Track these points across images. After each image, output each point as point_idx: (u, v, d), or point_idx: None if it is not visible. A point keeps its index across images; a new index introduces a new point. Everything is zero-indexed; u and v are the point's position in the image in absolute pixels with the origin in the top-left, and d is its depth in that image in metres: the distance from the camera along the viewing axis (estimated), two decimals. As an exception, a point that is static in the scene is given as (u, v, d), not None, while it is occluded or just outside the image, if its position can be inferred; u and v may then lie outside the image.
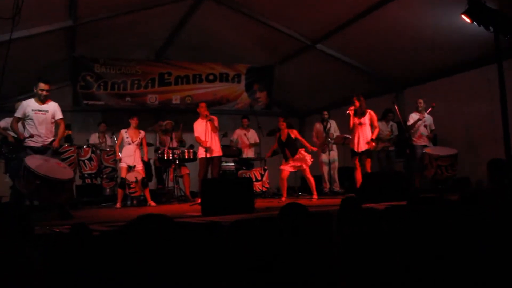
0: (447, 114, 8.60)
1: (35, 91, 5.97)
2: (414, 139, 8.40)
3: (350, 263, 3.19)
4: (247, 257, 3.20)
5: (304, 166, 7.67)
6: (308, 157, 7.70)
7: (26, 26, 7.22)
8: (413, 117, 8.37)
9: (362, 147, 7.45)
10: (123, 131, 8.08)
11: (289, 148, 7.75)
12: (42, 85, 5.96)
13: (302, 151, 7.76)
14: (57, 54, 9.59)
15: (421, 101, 8.37)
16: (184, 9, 8.87)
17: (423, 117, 8.32)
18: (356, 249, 3.27)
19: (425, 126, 8.35)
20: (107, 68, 10.12)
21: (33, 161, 5.26)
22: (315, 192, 7.75)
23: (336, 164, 9.72)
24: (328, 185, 9.78)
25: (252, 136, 9.98)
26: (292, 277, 3.05)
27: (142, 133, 8.18)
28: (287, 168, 7.72)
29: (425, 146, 8.23)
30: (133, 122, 8.09)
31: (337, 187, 9.63)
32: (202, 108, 7.96)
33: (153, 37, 10.18)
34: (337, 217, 3.67)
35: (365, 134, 7.48)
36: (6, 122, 7.32)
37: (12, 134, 7.19)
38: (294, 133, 7.81)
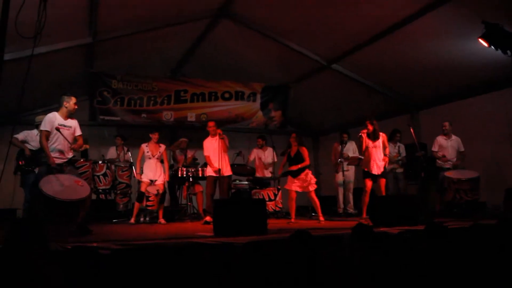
0: (463, 137, 8.50)
1: (65, 105, 5.92)
2: (438, 161, 8.30)
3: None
4: (259, 279, 3.17)
5: (310, 188, 7.65)
6: (313, 180, 7.71)
7: (46, 42, 7.31)
8: (438, 140, 8.30)
9: (378, 170, 7.42)
10: (144, 146, 8.13)
11: (296, 164, 7.73)
12: (75, 99, 5.98)
13: (309, 172, 7.76)
14: (75, 70, 9.72)
15: (447, 123, 8.25)
16: (201, 27, 8.95)
17: (450, 138, 8.24)
18: (368, 273, 3.22)
19: (443, 155, 8.24)
20: (124, 84, 10.21)
21: (48, 186, 5.26)
22: (320, 215, 7.70)
23: (351, 185, 9.67)
24: (342, 206, 9.72)
25: (269, 155, 9.95)
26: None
27: (163, 147, 8.24)
28: (293, 188, 7.67)
29: (447, 169, 8.12)
30: (155, 137, 8.15)
31: (350, 208, 9.56)
32: (211, 128, 7.99)
33: (170, 55, 10.27)
34: (348, 243, 3.64)
35: (379, 157, 7.47)
36: (24, 134, 7.38)
37: (29, 147, 7.25)
38: (303, 150, 7.78)
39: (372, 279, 3.13)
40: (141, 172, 8.10)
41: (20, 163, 7.24)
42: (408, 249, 3.78)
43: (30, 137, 7.27)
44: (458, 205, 7.74)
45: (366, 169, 7.53)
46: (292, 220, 7.64)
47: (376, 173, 7.42)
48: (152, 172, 8.03)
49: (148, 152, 8.09)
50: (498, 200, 7.63)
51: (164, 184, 8.15)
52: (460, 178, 7.64)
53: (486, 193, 7.93)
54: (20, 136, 7.34)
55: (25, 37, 3.57)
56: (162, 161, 8.25)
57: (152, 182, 8.00)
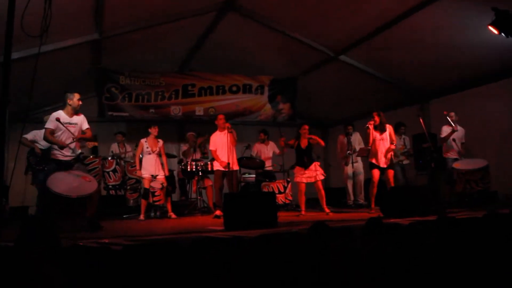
0: (474, 125, 8.43)
1: (69, 102, 5.99)
2: (445, 152, 8.26)
3: (374, 280, 3.13)
4: (270, 272, 3.16)
5: (318, 177, 7.69)
6: (321, 171, 7.77)
7: (53, 40, 7.35)
8: (445, 130, 8.25)
9: (385, 162, 7.42)
10: (143, 141, 8.12)
11: (307, 156, 7.75)
12: (78, 95, 6.03)
13: (317, 164, 7.81)
14: (83, 66, 9.75)
15: (453, 114, 8.23)
16: (207, 21, 8.91)
17: (456, 128, 8.19)
18: (380, 265, 3.20)
19: (454, 139, 8.20)
20: (132, 80, 10.22)
21: (56, 183, 5.29)
22: (325, 207, 7.75)
23: (362, 176, 9.65)
24: (352, 198, 9.72)
25: (271, 148, 9.97)
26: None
27: (161, 142, 8.22)
28: (303, 180, 7.68)
29: (455, 159, 8.08)
30: (154, 131, 8.12)
31: (361, 199, 9.56)
32: (221, 121, 7.98)
33: (177, 49, 10.24)
34: (361, 235, 3.62)
35: (384, 149, 7.51)
36: (33, 134, 7.43)
37: (39, 146, 7.30)
38: (315, 137, 7.87)
39: (383, 271, 3.11)
40: (140, 168, 8.11)
41: (31, 161, 7.29)
42: (419, 240, 3.75)
43: (39, 137, 7.31)
44: (469, 195, 7.69)
45: (373, 161, 7.52)
46: (303, 212, 7.65)
47: (383, 166, 7.42)
48: (153, 167, 8.03)
49: (147, 147, 8.07)
50: (510, 189, 7.58)
51: (165, 178, 8.15)
52: (469, 169, 7.59)
53: (497, 182, 7.87)
54: (29, 136, 7.39)
55: (32, 36, 3.57)
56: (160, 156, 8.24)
57: (153, 178, 8.01)
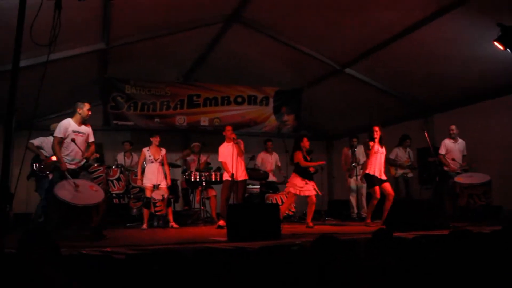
0: (478, 140, 8.42)
1: (79, 111, 6.04)
2: (449, 166, 8.25)
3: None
4: (273, 284, 3.15)
5: (313, 192, 7.69)
6: (313, 189, 7.74)
7: (60, 49, 7.40)
8: (445, 143, 8.27)
9: (382, 175, 7.53)
10: (145, 150, 8.13)
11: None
12: (88, 105, 6.09)
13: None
14: (89, 75, 9.81)
15: (454, 127, 8.26)
16: (213, 32, 8.97)
17: (457, 142, 8.21)
18: (385, 279, 3.19)
19: (453, 159, 8.19)
20: (137, 89, 10.27)
21: (63, 191, 5.32)
22: (310, 221, 7.69)
23: (364, 189, 9.62)
24: (356, 210, 9.70)
25: (274, 160, 9.99)
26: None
27: (164, 150, 8.21)
28: (298, 192, 7.67)
29: (457, 174, 8.07)
30: (155, 140, 8.13)
31: (364, 213, 9.51)
32: (229, 132, 7.99)
33: (182, 59, 10.30)
34: (367, 247, 3.61)
35: (382, 163, 7.64)
36: (40, 141, 7.45)
37: (44, 153, 7.32)
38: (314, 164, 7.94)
39: (387, 284, 3.10)
40: (142, 177, 8.11)
41: (35, 167, 7.30)
42: (423, 254, 3.74)
43: (46, 144, 7.34)
44: (473, 210, 7.66)
45: (373, 174, 7.53)
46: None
47: (384, 179, 7.49)
48: (155, 176, 8.02)
49: (150, 156, 8.07)
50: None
51: (167, 187, 8.14)
52: (472, 183, 7.57)
53: (500, 197, 7.84)
54: (36, 141, 7.41)
55: (41, 45, 3.61)
56: (163, 165, 8.24)
57: (155, 187, 8.00)
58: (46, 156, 7.26)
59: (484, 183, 7.49)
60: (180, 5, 7.65)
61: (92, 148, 6.26)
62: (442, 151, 8.32)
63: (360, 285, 3.11)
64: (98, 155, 8.39)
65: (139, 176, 8.12)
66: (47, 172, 7.12)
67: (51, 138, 7.28)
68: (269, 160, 9.98)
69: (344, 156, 9.99)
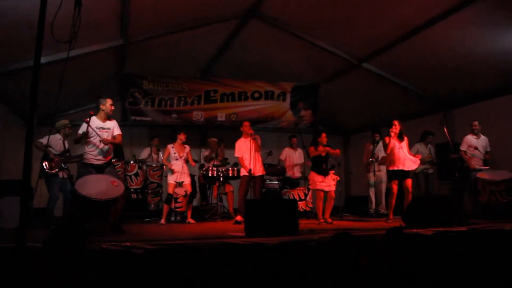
0: (499, 135, 8.30)
1: (102, 108, 6.13)
2: (470, 163, 8.16)
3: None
4: (290, 279, 3.15)
5: (333, 187, 7.67)
6: (334, 181, 7.73)
7: (79, 46, 7.45)
8: (468, 139, 8.18)
9: (407, 166, 7.40)
10: (169, 147, 8.17)
11: (326, 164, 7.78)
12: (110, 101, 6.17)
13: (332, 173, 7.81)
14: (107, 71, 9.90)
15: (476, 123, 8.15)
16: (230, 27, 8.97)
17: (479, 138, 8.11)
18: (400, 275, 3.17)
19: (476, 148, 8.08)
20: (155, 85, 10.33)
21: (83, 186, 5.38)
22: (328, 216, 7.68)
23: (383, 185, 9.56)
24: (374, 206, 9.66)
25: (299, 155, 9.98)
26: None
27: (187, 148, 8.25)
28: (323, 188, 7.64)
29: (479, 170, 7.96)
30: (182, 137, 8.16)
31: (382, 209, 9.47)
32: (246, 127, 7.99)
33: (199, 55, 10.33)
34: (382, 244, 3.60)
35: (407, 154, 7.52)
36: (47, 139, 7.44)
37: (53, 151, 7.35)
38: (329, 150, 7.83)
39: (404, 280, 3.08)
40: (170, 172, 8.15)
41: (45, 166, 7.32)
42: (441, 251, 3.71)
43: (53, 142, 7.37)
44: (494, 207, 7.56)
45: (392, 168, 7.47)
46: (321, 220, 7.61)
47: (406, 169, 7.41)
48: (179, 173, 8.07)
49: (175, 153, 8.11)
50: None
51: (190, 184, 8.18)
52: (495, 180, 7.47)
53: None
54: (44, 140, 7.38)
55: (61, 42, 3.64)
56: (187, 162, 8.28)
57: (178, 184, 8.05)
58: (54, 155, 7.31)
59: (507, 180, 7.38)
60: (198, 1, 7.67)
61: (118, 138, 6.28)
62: (463, 147, 8.23)
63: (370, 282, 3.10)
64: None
65: (171, 166, 8.09)
66: (56, 170, 7.20)
67: (58, 136, 7.38)
68: (294, 156, 9.98)
69: (366, 151, 9.92)
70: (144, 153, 9.69)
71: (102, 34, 7.95)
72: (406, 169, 7.43)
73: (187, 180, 8.09)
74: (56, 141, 7.37)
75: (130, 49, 8.86)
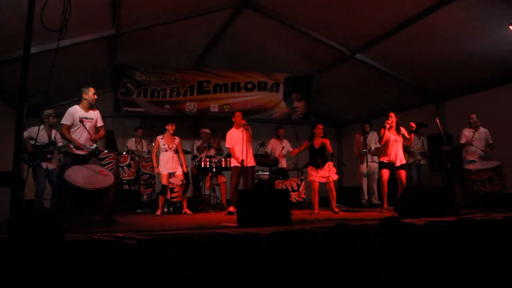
0: (492, 126, 8.32)
1: (85, 97, 6.03)
2: (464, 154, 8.21)
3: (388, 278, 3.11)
4: (283, 269, 3.15)
5: (330, 178, 7.67)
6: (334, 171, 7.76)
7: (70, 35, 7.38)
8: (465, 133, 8.22)
9: (399, 161, 7.44)
10: (159, 138, 8.11)
11: (321, 157, 7.74)
12: (93, 90, 6.07)
13: (331, 164, 7.82)
14: (99, 62, 9.82)
15: (474, 116, 8.18)
16: (223, 18, 8.93)
17: (477, 131, 8.16)
18: (395, 264, 3.18)
19: (470, 143, 8.12)
20: (148, 76, 10.28)
21: (73, 176, 5.34)
22: (335, 206, 7.77)
23: (376, 176, 9.59)
24: (366, 197, 9.69)
25: (286, 146, 9.96)
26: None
27: (177, 139, 8.19)
28: (317, 179, 7.67)
29: (471, 161, 8.01)
30: (171, 128, 8.07)
31: (375, 199, 9.51)
32: (238, 117, 7.97)
33: (192, 46, 10.28)
34: (376, 234, 3.60)
35: (400, 149, 7.54)
36: (28, 132, 7.33)
37: (32, 142, 7.26)
38: (327, 143, 7.78)
39: (395, 270, 3.09)
40: (158, 165, 8.12)
41: (25, 159, 7.27)
42: (433, 241, 3.72)
43: (35, 133, 7.27)
44: (484, 197, 7.62)
45: (385, 160, 7.49)
46: (316, 211, 7.64)
47: (397, 164, 7.43)
48: (170, 164, 8.01)
49: (164, 144, 8.03)
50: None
51: (183, 175, 8.14)
52: (477, 169, 7.54)
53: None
54: (25, 133, 7.30)
55: (51, 30, 3.60)
56: (177, 152, 8.23)
57: (171, 175, 8.02)
58: (35, 146, 7.21)
59: (489, 168, 7.43)
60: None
61: (101, 132, 6.25)
62: (462, 141, 8.27)
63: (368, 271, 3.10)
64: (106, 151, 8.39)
65: (154, 164, 8.11)
66: (38, 161, 7.16)
67: (41, 126, 7.14)
68: (278, 147, 9.96)
69: (356, 142, 9.94)
70: (130, 144, 9.69)
71: (94, 24, 7.89)
72: (397, 164, 7.46)
73: (179, 170, 8.05)
74: (37, 132, 7.27)
75: (122, 39, 8.80)
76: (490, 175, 7.41)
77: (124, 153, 9.12)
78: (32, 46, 3.41)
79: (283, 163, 9.95)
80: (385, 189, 7.53)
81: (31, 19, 3.34)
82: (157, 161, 8.11)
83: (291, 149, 9.83)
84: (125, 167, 9.02)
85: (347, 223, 3.72)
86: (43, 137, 7.31)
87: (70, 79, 9.08)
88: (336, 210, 7.67)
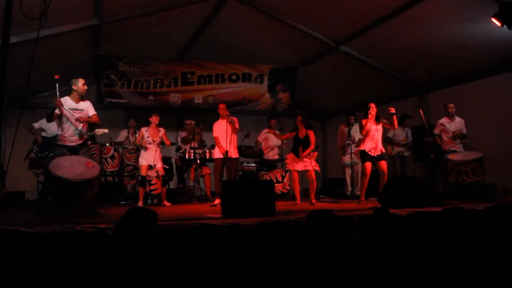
0: (473, 118, 8.41)
1: (74, 88, 5.97)
2: (442, 144, 8.29)
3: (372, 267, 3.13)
4: (267, 259, 3.16)
5: (310, 167, 7.72)
6: (314, 162, 7.79)
7: (52, 25, 7.29)
8: (441, 123, 8.30)
9: (378, 152, 7.50)
10: (143, 130, 8.04)
11: (303, 147, 7.78)
12: (83, 80, 6.02)
13: (314, 155, 7.89)
14: (82, 52, 9.69)
15: (452, 105, 8.26)
16: (207, 9, 8.85)
17: (454, 120, 8.23)
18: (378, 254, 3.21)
19: (452, 132, 8.21)
20: (131, 67, 10.17)
21: (57, 167, 5.28)
22: (313, 197, 7.80)
23: (359, 166, 9.63)
24: (350, 188, 9.74)
25: (274, 137, 9.95)
26: (311, 279, 3.01)
27: (162, 131, 8.13)
28: (296, 167, 7.71)
29: (453, 151, 8.10)
30: (155, 119, 8.03)
31: (358, 191, 9.54)
32: (222, 110, 7.97)
33: (176, 37, 10.19)
34: (367, 223, 3.63)
35: (380, 140, 7.61)
36: (40, 123, 7.45)
37: (44, 134, 7.29)
38: (311, 134, 7.82)
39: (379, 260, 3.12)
40: (143, 154, 8.06)
41: (34, 150, 7.28)
42: (417, 231, 3.76)
43: (46, 125, 7.30)
44: (466, 187, 7.72)
45: (366, 150, 7.53)
46: (298, 201, 7.68)
47: (377, 154, 7.49)
48: (152, 157, 7.96)
49: (148, 137, 7.97)
50: (508, 182, 7.60)
51: (163, 168, 8.09)
52: (462, 160, 7.63)
53: (495, 175, 7.88)
54: (37, 124, 7.38)
55: (31, 18, 3.53)
56: (163, 144, 8.18)
57: (151, 167, 7.96)
58: (45, 137, 7.23)
59: (473, 160, 7.53)
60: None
61: (93, 117, 6.15)
62: (437, 131, 8.35)
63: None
64: (107, 130, 8.33)
65: (144, 143, 8.01)
66: (47, 152, 7.11)
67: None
68: (272, 137, 9.94)
69: (340, 133, 9.99)
70: (122, 136, 9.61)
71: (76, 13, 7.76)
72: (374, 155, 7.50)
73: (159, 164, 7.99)
74: (49, 125, 7.24)
75: (105, 29, 8.69)
76: (474, 166, 7.50)
77: (107, 144, 9.04)
78: (13, 35, 3.35)
79: (274, 155, 9.94)
80: (366, 182, 7.57)
81: (10, 7, 3.28)
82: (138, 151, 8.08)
83: (280, 141, 9.87)
84: (108, 159, 8.95)
85: (330, 210, 3.74)
86: (54, 128, 7.23)
87: (52, 69, 8.88)
88: (314, 201, 7.72)
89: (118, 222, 3.23)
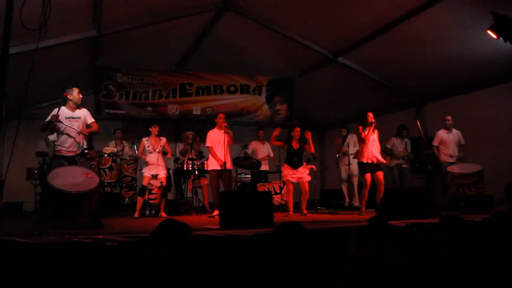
0: (472, 129, 8.44)
1: (69, 98, 5.96)
2: (440, 156, 8.32)
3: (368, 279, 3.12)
4: (265, 270, 3.15)
5: (304, 179, 7.77)
6: (307, 173, 7.87)
7: (51, 36, 7.32)
8: (439, 134, 8.34)
9: (377, 160, 7.56)
10: (144, 140, 8.06)
11: (298, 158, 7.84)
12: (77, 89, 6.00)
13: (307, 167, 8.00)
14: (80, 63, 9.71)
15: (449, 117, 8.31)
16: (205, 20, 8.91)
17: (451, 132, 8.28)
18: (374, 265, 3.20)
19: (445, 146, 8.26)
20: (129, 78, 10.19)
21: (56, 178, 5.25)
22: (304, 208, 7.85)
23: (356, 178, 9.64)
24: (347, 200, 9.73)
25: (266, 149, 9.97)
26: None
27: (163, 140, 8.14)
28: (292, 179, 7.73)
29: (450, 163, 8.11)
30: (154, 130, 8.05)
31: (356, 202, 9.54)
32: (221, 119, 7.98)
33: (174, 48, 10.24)
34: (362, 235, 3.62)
35: (377, 149, 7.67)
36: (54, 135, 7.39)
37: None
38: (309, 137, 7.94)
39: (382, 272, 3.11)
40: (145, 165, 8.06)
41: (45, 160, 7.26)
42: (415, 242, 3.75)
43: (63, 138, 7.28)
44: (464, 199, 7.72)
45: (365, 161, 7.54)
46: (290, 213, 7.71)
47: (376, 162, 7.53)
48: (154, 167, 7.97)
49: (149, 146, 7.99)
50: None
51: (165, 178, 8.09)
52: (463, 173, 7.65)
53: (493, 186, 7.87)
54: (51, 137, 7.32)
55: (30, 29, 3.55)
56: (165, 153, 8.19)
57: (154, 177, 7.96)
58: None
59: (474, 173, 7.54)
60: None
61: (94, 127, 6.15)
62: (435, 142, 8.39)
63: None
64: (115, 149, 8.35)
65: (144, 158, 8.07)
66: (48, 164, 7.10)
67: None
68: (261, 149, 9.96)
69: (336, 146, 10.02)
70: (111, 146, 9.59)
71: (75, 24, 7.81)
72: (375, 162, 7.55)
73: (162, 173, 7.99)
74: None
75: (103, 40, 8.73)
76: (474, 179, 7.52)
77: (106, 155, 9.03)
78: (12, 46, 3.36)
79: (265, 165, 9.95)
80: (366, 193, 7.58)
81: (10, 18, 3.29)
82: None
83: (272, 154, 9.88)
84: (106, 170, 8.94)
85: (299, 223, 3.74)
86: None
87: (51, 80, 9.00)
88: (305, 212, 7.76)
89: (153, 232, 3.26)
